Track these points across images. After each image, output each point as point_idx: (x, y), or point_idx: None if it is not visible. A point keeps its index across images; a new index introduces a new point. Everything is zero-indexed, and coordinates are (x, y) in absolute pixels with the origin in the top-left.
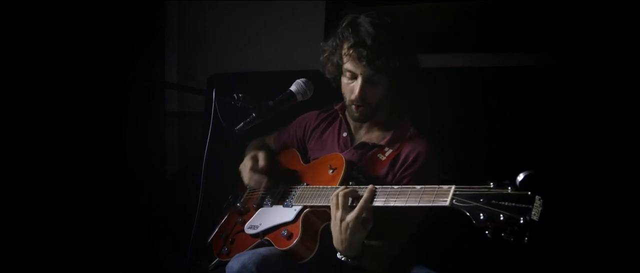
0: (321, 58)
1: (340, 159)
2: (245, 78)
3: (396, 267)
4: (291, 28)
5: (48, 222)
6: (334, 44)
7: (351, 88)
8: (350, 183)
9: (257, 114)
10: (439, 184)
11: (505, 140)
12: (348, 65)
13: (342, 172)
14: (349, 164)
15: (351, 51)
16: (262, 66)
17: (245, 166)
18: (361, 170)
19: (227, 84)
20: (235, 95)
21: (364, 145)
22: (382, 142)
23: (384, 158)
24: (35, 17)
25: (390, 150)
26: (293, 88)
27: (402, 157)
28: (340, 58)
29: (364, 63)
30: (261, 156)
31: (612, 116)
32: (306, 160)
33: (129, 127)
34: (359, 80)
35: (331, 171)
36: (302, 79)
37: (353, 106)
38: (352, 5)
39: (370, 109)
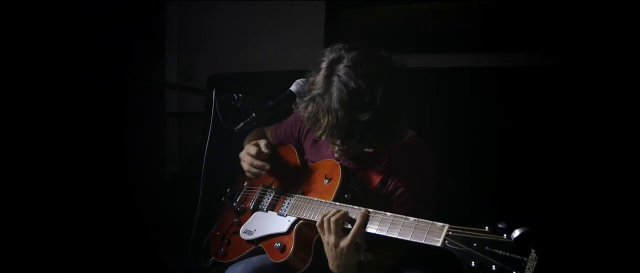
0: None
1: (336, 168)
2: (245, 78)
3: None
4: (291, 28)
5: (48, 222)
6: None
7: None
8: (346, 196)
9: (257, 114)
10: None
11: (505, 140)
12: (319, 134)
13: (338, 183)
14: (344, 176)
15: (324, 136)
16: (262, 66)
17: (248, 152)
18: (357, 182)
19: (227, 84)
20: (235, 95)
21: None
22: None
23: (381, 168)
24: (35, 17)
25: (389, 156)
26: (293, 88)
27: (400, 161)
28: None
29: (339, 146)
30: (263, 143)
31: (612, 116)
32: (303, 159)
33: (129, 127)
34: (336, 148)
35: (327, 181)
36: (302, 79)
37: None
38: (352, 5)
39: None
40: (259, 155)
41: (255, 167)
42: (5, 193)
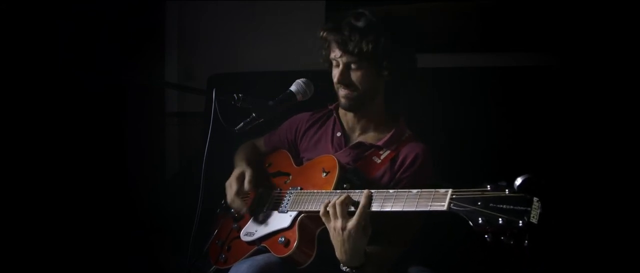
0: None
1: (332, 161)
2: (245, 78)
3: (395, 268)
4: (291, 28)
5: (48, 222)
6: (324, 35)
7: (335, 73)
8: (345, 186)
9: (257, 113)
10: (433, 187)
11: (505, 140)
12: (332, 55)
13: (336, 174)
14: (342, 167)
15: (332, 36)
16: (262, 66)
17: (231, 187)
18: (356, 173)
19: (227, 84)
20: (235, 95)
21: (360, 145)
22: (379, 143)
23: (379, 161)
24: (35, 17)
25: (387, 152)
26: (293, 88)
27: (400, 158)
28: (328, 49)
29: (341, 47)
30: (247, 178)
31: (611, 116)
32: (298, 161)
33: (129, 127)
34: (341, 65)
35: (324, 174)
36: (302, 79)
37: (340, 92)
38: (352, 5)
39: (358, 94)
40: (239, 191)
41: (236, 205)
42: (4, 193)
